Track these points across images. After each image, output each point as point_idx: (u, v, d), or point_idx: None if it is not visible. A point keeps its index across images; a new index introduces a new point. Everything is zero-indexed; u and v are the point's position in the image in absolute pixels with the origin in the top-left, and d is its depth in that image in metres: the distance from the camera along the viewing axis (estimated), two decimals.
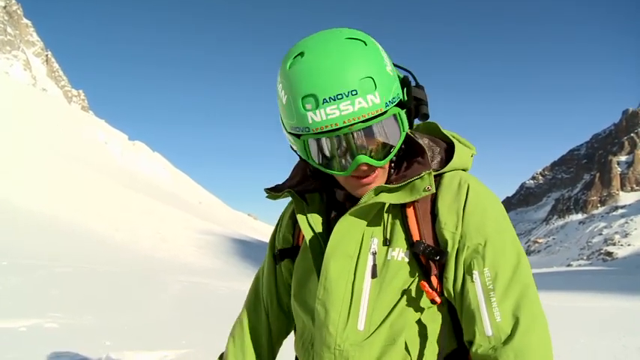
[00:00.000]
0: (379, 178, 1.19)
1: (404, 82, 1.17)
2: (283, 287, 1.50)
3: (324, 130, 1.06)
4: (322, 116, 1.04)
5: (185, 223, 36.35)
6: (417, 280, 1.18)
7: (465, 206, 1.17)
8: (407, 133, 1.22)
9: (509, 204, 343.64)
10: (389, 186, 1.17)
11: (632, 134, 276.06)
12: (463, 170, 1.29)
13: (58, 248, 15.47)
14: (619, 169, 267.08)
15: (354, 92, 1.02)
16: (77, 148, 61.83)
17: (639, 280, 25.97)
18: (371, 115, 1.05)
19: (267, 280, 1.54)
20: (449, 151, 1.28)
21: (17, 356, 4.53)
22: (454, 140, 1.30)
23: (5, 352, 4.61)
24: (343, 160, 1.13)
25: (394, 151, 1.13)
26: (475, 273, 1.12)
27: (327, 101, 1.03)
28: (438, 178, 1.24)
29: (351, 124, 1.05)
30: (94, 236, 21.21)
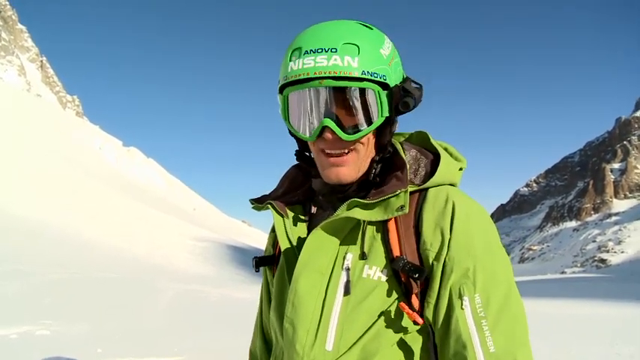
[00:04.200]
0: (350, 164, 1.17)
1: (403, 79, 1.19)
2: (266, 295, 1.49)
3: (297, 78, 1.09)
4: (299, 65, 1.09)
5: (179, 230, 36.24)
6: (395, 300, 1.13)
7: (451, 226, 1.11)
8: (393, 144, 1.24)
9: (504, 211, 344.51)
10: (362, 201, 1.13)
11: (625, 142, 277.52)
12: (451, 185, 1.24)
13: (51, 255, 15.39)
14: (612, 176, 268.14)
15: (333, 49, 1.07)
16: (72, 153, 61.63)
17: (633, 288, 26.04)
18: (343, 74, 1.07)
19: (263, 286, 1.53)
20: (435, 164, 1.22)
21: None
22: (441, 152, 1.24)
23: None
24: (312, 123, 1.14)
25: (365, 131, 1.13)
26: (465, 299, 1.06)
27: (307, 53, 1.08)
28: (423, 193, 1.19)
29: (322, 77, 1.07)
30: (88, 242, 21.11)
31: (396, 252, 1.13)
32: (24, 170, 31.20)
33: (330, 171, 1.17)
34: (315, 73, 1.07)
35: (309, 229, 1.28)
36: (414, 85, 1.18)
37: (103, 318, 7.64)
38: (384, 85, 1.13)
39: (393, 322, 1.12)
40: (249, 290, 15.54)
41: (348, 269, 1.14)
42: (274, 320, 1.30)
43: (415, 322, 1.11)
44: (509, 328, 1.05)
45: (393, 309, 1.13)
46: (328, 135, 1.12)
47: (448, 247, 1.10)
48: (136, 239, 26.45)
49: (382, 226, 1.16)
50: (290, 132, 1.26)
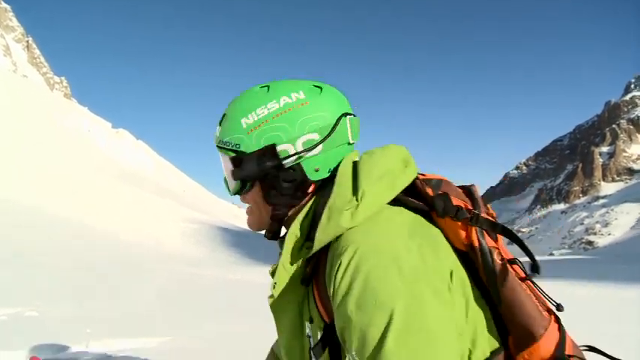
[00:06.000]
0: (251, 216, 1.31)
1: (261, 150, 1.20)
2: None
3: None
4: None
5: (170, 212, 36.17)
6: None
7: (333, 286, 1.01)
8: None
9: (493, 193, 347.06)
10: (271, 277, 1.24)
11: (613, 126, 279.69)
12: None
13: (40, 238, 15.31)
14: (601, 159, 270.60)
15: (222, 118, 1.27)
16: (60, 136, 61.05)
17: (618, 269, 26.42)
18: (216, 143, 1.26)
19: None
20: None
21: None
22: (330, 197, 1.12)
23: None
24: None
25: (232, 192, 1.29)
26: (348, 356, 0.98)
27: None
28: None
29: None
30: (77, 225, 21.01)
31: (325, 316, 1.11)
32: (11, 153, 30.89)
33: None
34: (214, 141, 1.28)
35: None
36: (284, 151, 1.18)
37: (92, 300, 7.64)
38: (240, 153, 1.22)
39: None
40: (241, 272, 15.58)
41: (310, 336, 1.17)
42: None
43: None
44: None
45: None
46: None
47: (332, 302, 1.03)
48: (126, 221, 26.37)
49: (309, 293, 1.17)
50: None
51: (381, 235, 1.05)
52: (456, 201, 1.15)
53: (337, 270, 1.01)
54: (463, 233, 1.12)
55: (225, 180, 1.30)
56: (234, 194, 1.29)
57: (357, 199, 1.08)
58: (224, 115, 1.25)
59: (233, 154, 1.23)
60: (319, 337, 1.11)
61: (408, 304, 0.93)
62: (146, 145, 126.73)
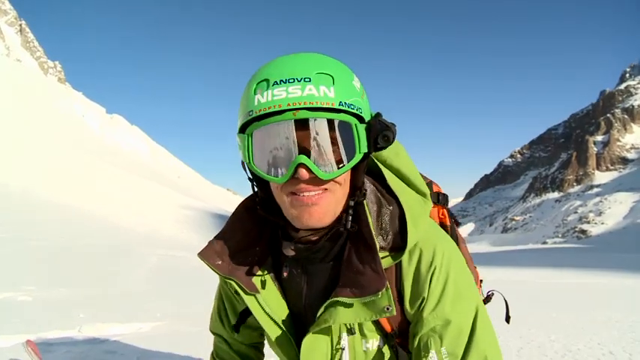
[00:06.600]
0: (325, 205, 1.04)
1: (374, 115, 1.07)
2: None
3: (267, 111, 0.96)
4: (268, 97, 0.96)
5: (164, 198, 36.12)
6: None
7: (427, 291, 1.11)
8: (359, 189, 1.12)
9: (487, 182, 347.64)
10: (345, 300, 1.08)
11: (608, 115, 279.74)
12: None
13: (34, 222, 15.27)
14: (595, 148, 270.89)
15: (307, 79, 0.96)
16: (53, 121, 60.63)
17: (610, 258, 26.67)
18: (319, 105, 0.95)
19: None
20: (402, 214, 1.14)
21: None
22: (404, 205, 1.14)
23: None
24: (283, 162, 1.00)
25: (344, 169, 1.01)
26: (432, 352, 1.08)
27: (277, 83, 0.96)
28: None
29: (296, 109, 0.94)
30: (72, 210, 20.94)
31: (387, 327, 1.16)
32: (4, 137, 30.67)
33: (302, 211, 1.04)
34: (288, 105, 0.94)
35: (286, 298, 1.24)
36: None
37: (86, 284, 7.63)
38: (359, 119, 1.02)
39: None
40: None
41: (344, 348, 1.16)
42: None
43: None
44: None
45: None
46: (304, 173, 0.98)
47: (422, 307, 1.11)
48: (121, 207, 26.31)
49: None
50: (250, 177, 1.14)
51: (446, 238, 1.20)
52: (435, 188, 1.44)
53: (432, 275, 1.11)
54: (438, 213, 1.42)
55: (316, 156, 0.99)
56: (341, 173, 1.02)
57: (426, 203, 1.19)
58: (325, 74, 0.98)
59: (357, 121, 1.01)
60: (373, 343, 1.17)
61: (478, 298, 1.15)
62: (141, 130, 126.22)
